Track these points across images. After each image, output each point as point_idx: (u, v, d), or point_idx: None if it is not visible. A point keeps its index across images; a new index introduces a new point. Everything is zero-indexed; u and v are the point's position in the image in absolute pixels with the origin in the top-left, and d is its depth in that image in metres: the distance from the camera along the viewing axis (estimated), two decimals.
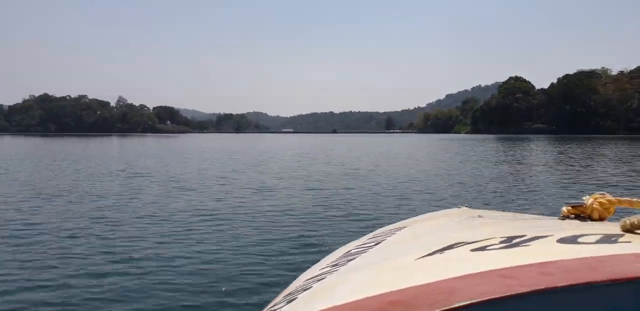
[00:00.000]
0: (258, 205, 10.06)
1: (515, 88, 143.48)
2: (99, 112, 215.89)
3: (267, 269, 5.42)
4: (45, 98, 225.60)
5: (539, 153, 28.09)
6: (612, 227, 0.73)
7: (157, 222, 8.19)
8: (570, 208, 0.97)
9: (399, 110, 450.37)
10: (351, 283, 0.67)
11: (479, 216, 1.19)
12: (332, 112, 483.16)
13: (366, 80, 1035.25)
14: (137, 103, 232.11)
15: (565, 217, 0.97)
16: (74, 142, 51.64)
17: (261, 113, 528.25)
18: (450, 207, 1.49)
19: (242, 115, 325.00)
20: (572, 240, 0.64)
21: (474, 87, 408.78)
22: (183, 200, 10.67)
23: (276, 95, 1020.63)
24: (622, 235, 0.65)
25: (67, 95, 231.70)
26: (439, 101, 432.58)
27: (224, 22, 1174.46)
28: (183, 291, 4.60)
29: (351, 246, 1.15)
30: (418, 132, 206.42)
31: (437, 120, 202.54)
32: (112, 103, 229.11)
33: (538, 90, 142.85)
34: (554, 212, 1.22)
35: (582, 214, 0.95)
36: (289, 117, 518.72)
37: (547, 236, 0.67)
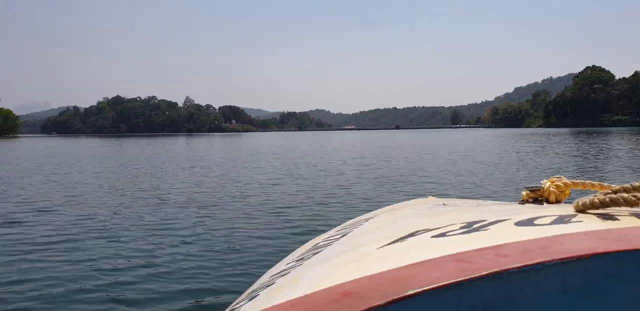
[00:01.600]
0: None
1: (593, 79, 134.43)
2: (167, 113, 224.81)
3: None
4: (117, 100, 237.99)
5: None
6: (567, 209, 0.76)
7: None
8: (529, 192, 1.00)
9: (465, 104, 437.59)
10: (311, 277, 0.68)
11: (444, 204, 1.22)
12: (395, 107, 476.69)
13: (430, 74, 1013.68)
14: (203, 104, 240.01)
15: (524, 201, 1.00)
16: (147, 142, 52.70)
17: (324, 110, 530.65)
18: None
19: (305, 113, 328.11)
20: (529, 222, 0.66)
21: (544, 80, 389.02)
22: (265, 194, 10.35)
23: (339, 92, 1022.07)
24: (575, 215, 0.68)
25: (138, 97, 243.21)
26: (507, 95, 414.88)
27: (289, 22, 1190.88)
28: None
29: (319, 239, 1.17)
30: (487, 127, 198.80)
31: (506, 114, 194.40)
32: (180, 104, 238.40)
33: (619, 79, 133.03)
34: None
35: (539, 198, 0.98)
36: (350, 114, 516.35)
37: (505, 220, 0.70)
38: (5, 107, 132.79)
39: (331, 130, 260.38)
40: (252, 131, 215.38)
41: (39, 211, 8.52)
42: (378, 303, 0.46)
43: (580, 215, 0.69)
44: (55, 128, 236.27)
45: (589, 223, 0.62)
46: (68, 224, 7.29)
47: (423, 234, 0.73)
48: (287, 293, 0.61)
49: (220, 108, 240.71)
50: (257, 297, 0.76)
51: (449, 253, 0.56)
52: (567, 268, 0.47)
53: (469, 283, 0.47)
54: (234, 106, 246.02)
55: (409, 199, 1.48)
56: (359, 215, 1.23)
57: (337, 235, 1.10)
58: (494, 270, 0.48)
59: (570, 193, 0.99)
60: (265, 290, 0.78)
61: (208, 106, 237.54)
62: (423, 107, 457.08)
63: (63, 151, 34.36)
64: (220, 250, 5.59)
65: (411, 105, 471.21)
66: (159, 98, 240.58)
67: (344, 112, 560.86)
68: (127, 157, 25.06)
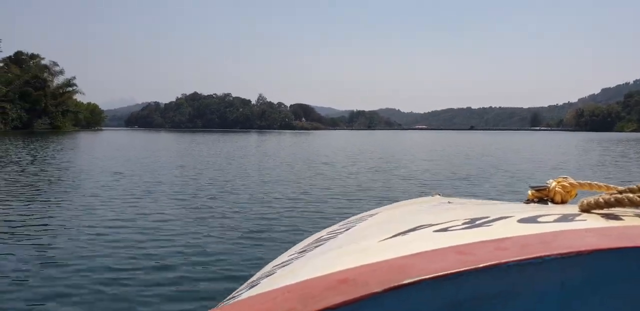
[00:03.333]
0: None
1: None
2: (240, 110, 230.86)
3: None
4: (195, 97, 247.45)
5: None
6: (571, 208, 0.75)
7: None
8: (534, 191, 1.00)
9: (546, 105, 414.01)
10: (310, 266, 0.69)
11: (449, 202, 1.23)
12: (469, 107, 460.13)
13: (507, 74, 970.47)
14: (275, 101, 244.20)
15: (530, 201, 1.00)
16: (224, 138, 53.62)
17: (394, 109, 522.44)
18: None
19: (374, 112, 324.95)
20: (532, 219, 0.66)
21: (636, 80, 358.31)
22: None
23: (410, 91, 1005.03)
24: (579, 214, 0.68)
25: (214, 94, 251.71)
26: (592, 96, 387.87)
27: (359, 20, 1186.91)
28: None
29: (323, 233, 1.18)
30: (570, 130, 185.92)
31: (592, 116, 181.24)
32: (253, 101, 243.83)
33: None
34: None
35: (545, 197, 0.98)
36: (422, 113, 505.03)
37: (508, 217, 0.69)
38: (93, 102, 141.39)
39: (401, 129, 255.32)
40: (320, 129, 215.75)
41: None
42: (375, 291, 0.46)
43: (585, 214, 0.68)
44: (137, 122, 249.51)
45: (593, 221, 0.62)
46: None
47: (425, 229, 0.73)
48: (286, 281, 0.61)
49: (291, 106, 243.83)
50: (257, 286, 0.77)
51: (449, 245, 0.56)
52: (566, 264, 0.47)
53: (468, 274, 0.47)
54: (304, 104, 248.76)
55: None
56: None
57: (341, 228, 1.11)
58: (493, 263, 0.48)
59: (577, 194, 0.98)
60: (266, 279, 0.80)
61: (279, 104, 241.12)
62: (500, 107, 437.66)
63: (130, 144, 35.15)
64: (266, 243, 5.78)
65: (487, 106, 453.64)
66: (233, 96, 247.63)
67: (415, 111, 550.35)
68: (211, 154, 24.62)
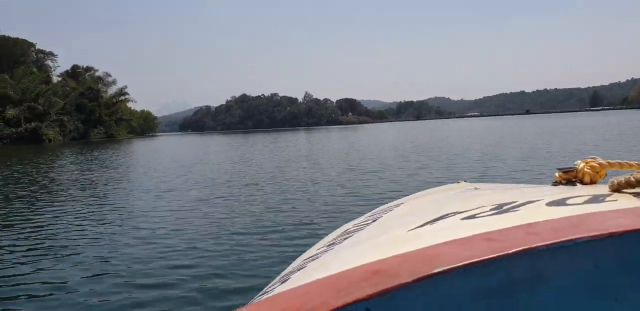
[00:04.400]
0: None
1: None
2: (288, 108, 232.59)
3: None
4: (244, 99, 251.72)
5: None
6: (601, 189, 0.73)
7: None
8: (562, 173, 0.98)
9: (606, 84, 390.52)
10: (341, 259, 0.69)
11: (475, 188, 1.21)
12: (523, 91, 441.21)
13: (561, 52, 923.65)
14: (321, 98, 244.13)
15: (557, 183, 0.98)
16: (266, 138, 53.65)
17: (443, 98, 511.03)
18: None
19: (423, 102, 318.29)
20: (561, 202, 0.65)
21: None
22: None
23: (460, 78, 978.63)
24: (609, 195, 0.66)
25: (262, 94, 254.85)
26: None
27: (400, 9, 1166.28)
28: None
29: (349, 225, 1.17)
30: (637, 108, 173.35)
31: None
32: (300, 99, 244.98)
33: None
34: None
35: (573, 179, 0.96)
36: (473, 100, 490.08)
37: (536, 200, 0.68)
38: (147, 109, 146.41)
39: (451, 118, 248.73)
40: (368, 122, 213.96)
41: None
42: (406, 281, 0.46)
43: (616, 194, 0.67)
44: (190, 127, 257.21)
45: (624, 201, 0.61)
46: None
47: (453, 216, 0.72)
48: (317, 274, 0.61)
49: (337, 101, 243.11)
50: (289, 280, 0.77)
51: (478, 233, 0.55)
52: (598, 246, 0.46)
53: (498, 260, 0.46)
54: (350, 98, 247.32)
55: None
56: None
57: (368, 220, 1.10)
58: (523, 248, 0.47)
59: (606, 174, 0.95)
60: (297, 273, 0.80)
61: (326, 100, 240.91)
62: (555, 89, 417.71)
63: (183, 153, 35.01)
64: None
65: (541, 88, 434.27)
66: (280, 95, 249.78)
67: (466, 98, 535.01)
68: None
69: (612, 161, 0.94)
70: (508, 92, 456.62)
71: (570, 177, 0.96)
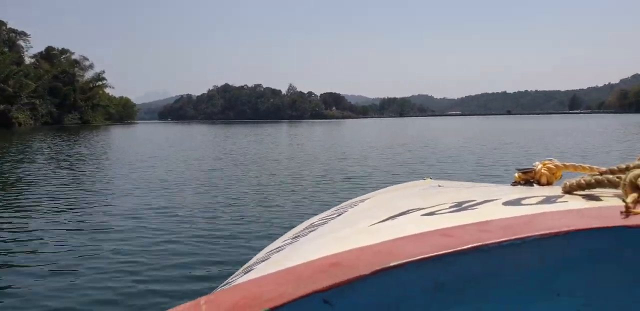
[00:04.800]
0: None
1: None
2: (271, 100, 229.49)
3: None
4: (226, 88, 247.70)
5: None
6: (555, 190, 0.76)
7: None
8: (521, 174, 1.00)
9: (585, 87, 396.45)
10: (304, 251, 0.70)
11: (439, 185, 1.23)
12: (504, 91, 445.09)
13: (542, 56, 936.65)
14: (305, 91, 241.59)
15: (516, 183, 1.01)
16: (248, 130, 52.11)
17: (426, 96, 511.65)
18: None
19: (405, 99, 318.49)
20: (516, 202, 0.67)
21: None
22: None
23: (443, 77, 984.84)
24: (561, 196, 0.68)
25: (245, 85, 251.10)
26: (636, 76, 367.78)
27: (386, 4, 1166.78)
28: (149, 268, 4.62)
29: (316, 218, 1.19)
30: (613, 112, 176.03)
31: (639, 97, 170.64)
32: (284, 91, 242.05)
33: None
34: None
35: (531, 179, 0.99)
36: (456, 98, 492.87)
37: (494, 200, 0.71)
38: (126, 96, 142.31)
39: (434, 115, 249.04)
40: (351, 118, 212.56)
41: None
42: (363, 273, 0.47)
43: (567, 195, 0.69)
44: (170, 115, 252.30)
45: (573, 203, 0.63)
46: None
47: (414, 213, 0.74)
48: (279, 266, 0.62)
49: (321, 95, 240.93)
50: (252, 271, 0.79)
51: (434, 229, 0.57)
52: (545, 244, 0.48)
53: (452, 256, 0.48)
54: (335, 93, 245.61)
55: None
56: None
57: (333, 214, 1.13)
58: (476, 244, 0.48)
59: (562, 175, 0.99)
60: (261, 264, 0.82)
61: (310, 93, 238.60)
62: (536, 91, 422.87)
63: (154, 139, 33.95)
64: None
65: (522, 89, 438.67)
66: (264, 86, 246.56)
67: (449, 96, 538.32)
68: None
69: (567, 163, 0.97)
70: (490, 92, 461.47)
71: (529, 178, 0.99)
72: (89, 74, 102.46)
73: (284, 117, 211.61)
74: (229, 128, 65.23)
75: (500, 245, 0.48)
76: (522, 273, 0.48)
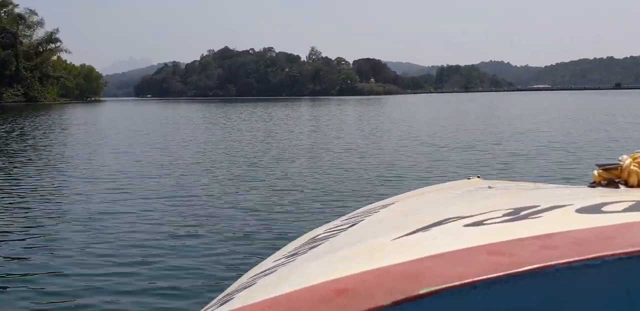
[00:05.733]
0: None
1: None
2: (287, 69, 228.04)
3: None
4: (225, 54, 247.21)
5: None
6: None
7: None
8: (602, 171, 0.99)
9: None
10: (300, 274, 0.70)
11: (489, 187, 1.24)
12: (611, 57, 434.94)
13: None
14: (333, 57, 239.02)
15: (596, 183, 0.99)
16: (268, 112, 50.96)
17: (502, 63, 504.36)
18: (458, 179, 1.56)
19: (473, 67, 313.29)
20: (595, 209, 0.66)
21: None
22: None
23: (524, 37, 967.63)
24: None
25: (251, 49, 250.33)
26: None
27: None
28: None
29: (320, 230, 1.21)
30: None
31: None
32: (303, 58, 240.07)
33: None
34: None
35: (616, 179, 0.97)
36: (542, 67, 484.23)
37: (564, 205, 0.70)
38: (90, 64, 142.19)
39: (512, 90, 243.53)
40: (397, 93, 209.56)
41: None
42: (381, 304, 0.47)
43: None
44: (150, 90, 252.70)
45: None
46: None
47: (454, 222, 0.75)
48: (266, 294, 0.63)
49: (354, 62, 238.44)
50: (230, 301, 0.79)
51: (481, 244, 0.56)
52: (633, 266, 0.47)
53: (503, 281, 0.47)
54: (374, 59, 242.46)
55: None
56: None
57: (344, 224, 1.14)
58: (536, 266, 0.48)
59: None
60: (242, 293, 0.82)
61: (339, 60, 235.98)
62: None
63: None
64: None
65: (636, 54, 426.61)
66: (277, 51, 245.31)
67: (532, 64, 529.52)
68: None
69: None
70: (591, 57, 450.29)
71: (613, 177, 0.98)
72: (37, 34, 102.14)
73: (303, 92, 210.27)
74: (228, 108, 64.42)
75: (570, 266, 0.48)
76: (601, 304, 0.47)
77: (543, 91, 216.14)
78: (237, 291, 0.88)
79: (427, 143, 18.45)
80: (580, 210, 0.66)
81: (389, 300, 0.47)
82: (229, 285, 1.09)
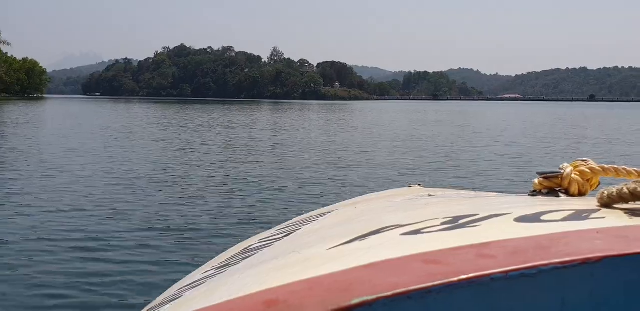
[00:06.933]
0: None
1: None
2: (246, 70, 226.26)
3: None
4: (181, 52, 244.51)
5: None
6: (589, 202, 0.78)
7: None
8: (542, 179, 1.01)
9: None
10: (229, 286, 0.71)
11: (429, 195, 1.27)
12: (584, 67, 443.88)
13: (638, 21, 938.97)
14: (296, 59, 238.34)
15: (536, 192, 1.02)
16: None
17: (471, 70, 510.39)
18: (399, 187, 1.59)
19: (442, 74, 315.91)
20: (534, 218, 0.68)
21: None
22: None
23: (494, 44, 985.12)
24: (596, 211, 0.70)
25: (209, 47, 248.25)
26: None
27: None
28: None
29: (254, 240, 1.23)
30: None
31: None
32: (265, 59, 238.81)
33: None
34: None
35: (557, 187, 1.00)
36: (513, 76, 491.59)
37: (503, 214, 0.72)
38: (33, 58, 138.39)
39: (482, 100, 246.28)
40: (362, 99, 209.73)
41: None
42: None
43: (604, 209, 0.71)
44: (100, 88, 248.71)
45: (613, 220, 0.65)
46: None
47: (391, 231, 0.76)
48: (191, 307, 0.64)
49: (319, 65, 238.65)
50: None
51: (416, 253, 0.58)
52: (568, 275, 0.49)
53: (437, 290, 0.48)
54: (339, 62, 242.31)
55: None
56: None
57: (279, 234, 1.16)
58: (472, 275, 0.49)
59: (600, 182, 1.01)
60: (167, 307, 0.83)
61: (302, 62, 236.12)
62: (631, 67, 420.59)
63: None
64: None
65: (610, 65, 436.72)
66: (236, 50, 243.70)
67: (502, 73, 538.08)
68: None
69: (607, 166, 0.98)
70: (563, 67, 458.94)
71: (554, 185, 1.00)
72: None
73: (263, 94, 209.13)
74: (180, 110, 63.32)
75: (506, 276, 0.49)
76: None
77: (514, 101, 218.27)
78: (162, 304, 0.88)
79: (374, 151, 19.05)
80: (519, 219, 0.68)
81: None
82: (154, 299, 1.08)
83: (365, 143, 22.29)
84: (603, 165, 1.00)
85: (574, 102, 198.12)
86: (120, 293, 5.15)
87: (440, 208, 0.94)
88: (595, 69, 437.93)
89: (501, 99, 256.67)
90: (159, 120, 39.98)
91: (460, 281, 0.49)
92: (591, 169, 0.98)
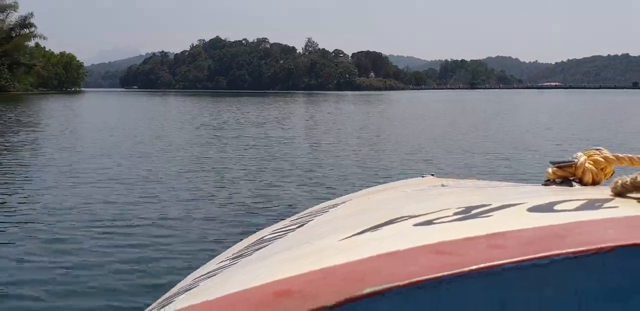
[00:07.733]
0: None
1: None
2: (281, 62, 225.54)
3: None
4: (216, 44, 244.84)
5: None
6: (603, 192, 0.77)
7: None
8: (556, 169, 1.01)
9: None
10: (242, 276, 0.72)
11: (442, 185, 1.27)
12: (626, 54, 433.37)
13: None
14: (331, 49, 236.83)
15: (550, 182, 1.02)
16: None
17: (509, 58, 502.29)
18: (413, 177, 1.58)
19: (480, 62, 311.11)
20: (547, 208, 0.68)
21: None
22: None
23: (534, 32, 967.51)
24: (610, 200, 0.70)
25: (244, 39, 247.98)
26: None
27: None
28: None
29: (266, 231, 1.23)
30: None
31: None
32: (299, 49, 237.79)
33: None
34: None
35: (571, 177, 0.99)
36: (553, 63, 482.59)
37: (516, 204, 0.72)
38: (71, 52, 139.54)
39: (522, 88, 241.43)
40: (398, 88, 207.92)
41: None
42: (324, 304, 0.48)
43: (618, 199, 0.71)
44: (137, 81, 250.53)
45: (626, 209, 0.64)
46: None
47: (404, 221, 0.77)
48: (206, 297, 0.64)
49: (353, 55, 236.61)
50: (170, 305, 0.81)
51: (428, 243, 0.58)
52: (581, 265, 0.49)
53: (449, 280, 0.49)
54: (374, 52, 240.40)
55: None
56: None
57: (292, 225, 1.16)
58: (483, 265, 0.49)
59: (614, 171, 1.00)
60: (182, 296, 0.84)
61: (337, 53, 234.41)
62: None
63: None
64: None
65: None
66: (271, 42, 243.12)
67: (542, 60, 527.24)
68: None
69: (622, 155, 0.97)
70: (605, 54, 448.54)
71: (567, 175, 1.00)
72: (10, 19, 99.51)
73: (298, 85, 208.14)
74: (215, 103, 62.86)
75: (518, 266, 0.49)
76: (547, 304, 0.49)
77: (554, 89, 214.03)
78: (178, 294, 0.89)
79: (390, 141, 19.02)
80: (532, 209, 0.68)
81: (332, 301, 0.48)
82: (170, 288, 1.10)
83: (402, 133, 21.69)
84: (617, 154, 0.99)
85: (617, 90, 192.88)
86: (137, 282, 5.27)
87: (453, 198, 0.94)
88: (638, 55, 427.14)
89: (541, 87, 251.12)
90: (200, 112, 40.34)
91: (471, 271, 0.49)
92: (605, 158, 0.98)
